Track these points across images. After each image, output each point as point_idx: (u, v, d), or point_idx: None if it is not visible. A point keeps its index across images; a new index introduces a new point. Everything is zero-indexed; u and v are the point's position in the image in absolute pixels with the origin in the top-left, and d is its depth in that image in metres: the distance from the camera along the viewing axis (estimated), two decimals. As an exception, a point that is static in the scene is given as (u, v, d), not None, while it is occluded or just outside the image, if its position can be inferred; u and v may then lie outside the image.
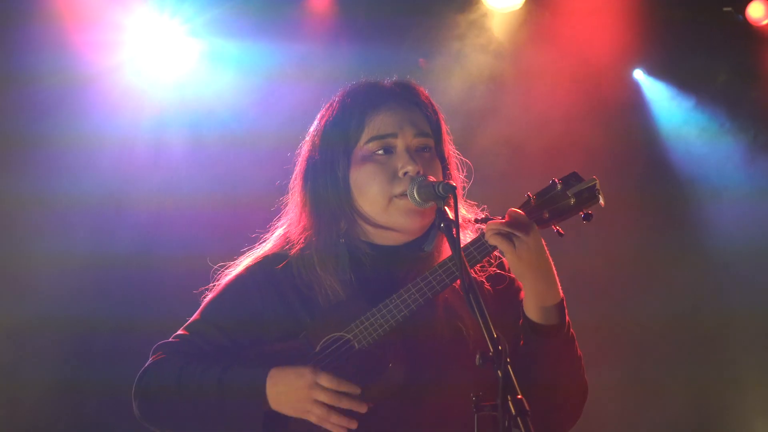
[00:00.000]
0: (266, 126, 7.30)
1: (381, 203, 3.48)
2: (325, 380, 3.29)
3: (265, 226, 3.75)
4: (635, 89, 8.28)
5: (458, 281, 3.29)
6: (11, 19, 6.82)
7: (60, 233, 7.02)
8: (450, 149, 3.67)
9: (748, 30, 7.98)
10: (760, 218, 8.02)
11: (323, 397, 3.29)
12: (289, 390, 3.32)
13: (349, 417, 3.30)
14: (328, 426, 3.31)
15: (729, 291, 8.07)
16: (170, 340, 3.60)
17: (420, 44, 7.80)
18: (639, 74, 8.27)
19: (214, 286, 3.68)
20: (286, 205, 3.71)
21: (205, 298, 3.68)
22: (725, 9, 8.00)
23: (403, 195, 3.42)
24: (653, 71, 8.25)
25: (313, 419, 3.31)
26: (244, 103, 7.45)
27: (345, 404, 3.30)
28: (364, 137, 3.52)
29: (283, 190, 3.73)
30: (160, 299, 6.85)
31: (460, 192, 3.63)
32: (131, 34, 7.17)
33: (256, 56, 7.47)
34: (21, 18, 6.82)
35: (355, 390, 3.31)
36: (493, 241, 3.25)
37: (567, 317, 3.36)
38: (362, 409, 3.31)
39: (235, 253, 3.72)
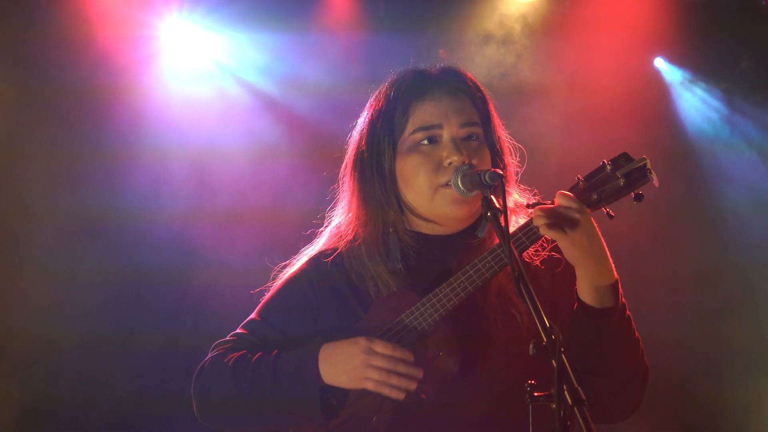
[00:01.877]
0: (291, 118, 7.31)
1: (427, 193, 3.46)
2: (379, 346, 3.29)
3: (317, 217, 3.77)
4: (657, 77, 8.25)
5: (508, 268, 3.25)
6: (38, 16, 6.84)
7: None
8: (501, 135, 3.64)
9: (769, 15, 7.97)
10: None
11: (379, 362, 3.28)
12: (343, 359, 3.32)
13: (408, 379, 3.29)
14: (386, 391, 3.29)
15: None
16: (227, 338, 3.63)
17: (441, 35, 7.80)
18: (660, 62, 8.24)
19: (272, 286, 3.69)
20: (338, 194, 3.71)
21: (262, 298, 3.69)
22: (748, -6, 7.98)
23: (449, 185, 3.41)
24: (674, 59, 8.22)
25: (369, 385, 3.30)
26: (267, 95, 7.45)
27: (402, 369, 3.29)
28: (410, 128, 3.51)
29: (332, 180, 3.73)
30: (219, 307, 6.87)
31: (512, 177, 3.62)
32: (153, 29, 7.19)
33: (277, 48, 7.48)
34: (48, 15, 6.85)
35: (410, 356, 3.30)
36: (543, 229, 3.21)
37: (622, 299, 3.32)
38: (419, 374, 3.30)
39: (293, 252, 3.75)
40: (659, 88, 8.30)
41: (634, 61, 8.12)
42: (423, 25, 7.75)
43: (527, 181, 3.67)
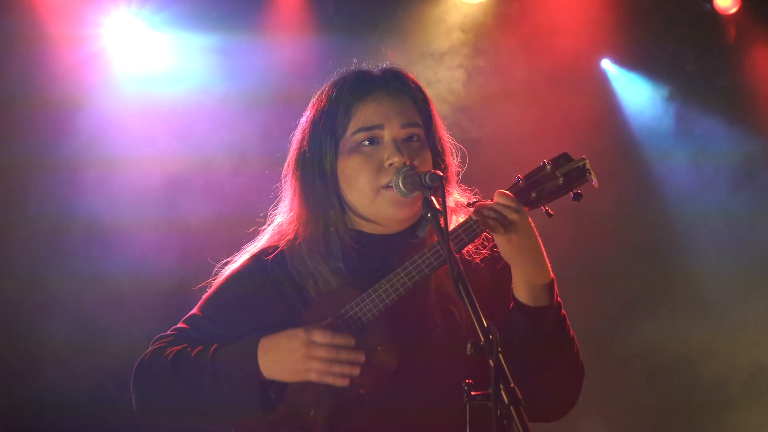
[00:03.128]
0: (238, 119, 7.31)
1: (368, 195, 3.48)
2: (318, 336, 3.29)
3: (260, 216, 3.77)
4: (603, 79, 8.31)
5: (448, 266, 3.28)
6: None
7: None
8: (443, 135, 3.66)
9: (717, 18, 8.04)
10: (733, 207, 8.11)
11: (320, 353, 3.28)
12: (283, 354, 3.32)
13: (351, 365, 3.30)
14: (329, 380, 3.30)
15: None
16: (167, 332, 3.61)
17: (388, 36, 7.81)
18: (607, 64, 8.30)
19: (213, 282, 3.69)
20: (281, 193, 3.72)
21: (204, 294, 3.68)
22: (694, -3, 8.07)
23: (390, 186, 3.43)
24: (621, 61, 8.28)
25: (313, 377, 3.30)
26: (213, 95, 7.43)
27: (343, 356, 3.30)
28: (351, 128, 3.52)
29: (275, 180, 3.75)
30: (154, 300, 6.85)
31: (453, 177, 3.64)
32: (101, 28, 7.15)
33: (223, 49, 7.45)
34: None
35: (350, 341, 3.31)
36: (481, 225, 3.25)
37: (558, 298, 3.36)
38: (361, 358, 3.31)
39: (235, 249, 3.74)
40: (606, 90, 8.35)
41: (581, 63, 8.17)
42: (371, 25, 7.76)
43: (471, 181, 3.70)
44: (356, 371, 3.30)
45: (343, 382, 3.31)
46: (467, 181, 3.71)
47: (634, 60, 8.24)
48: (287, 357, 3.32)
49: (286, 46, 7.57)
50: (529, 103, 7.95)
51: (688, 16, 8.11)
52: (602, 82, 8.33)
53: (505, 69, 7.96)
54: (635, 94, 8.28)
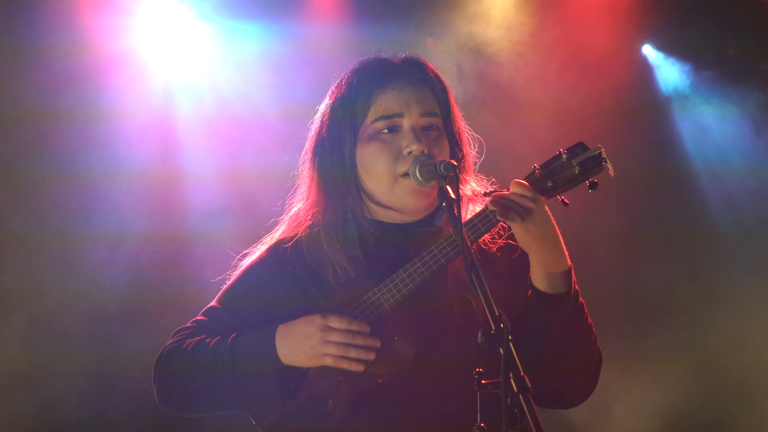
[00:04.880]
0: (276, 106, 7.33)
1: (386, 182, 3.50)
2: (335, 321, 3.35)
3: (281, 208, 3.79)
4: (644, 64, 8.26)
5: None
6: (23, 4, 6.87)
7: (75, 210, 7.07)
8: (460, 125, 3.67)
9: (758, 3, 7.97)
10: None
11: (336, 337, 3.34)
12: (300, 339, 3.37)
13: (366, 350, 3.35)
14: (345, 365, 3.35)
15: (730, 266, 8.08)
16: (187, 324, 3.67)
17: (428, 24, 7.81)
18: (648, 49, 8.26)
19: (232, 273, 3.73)
20: (298, 181, 3.74)
21: (223, 286, 3.73)
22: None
23: (407, 175, 3.44)
24: (662, 46, 8.23)
25: (329, 361, 3.35)
26: (254, 83, 7.47)
27: (359, 341, 3.35)
28: (371, 116, 3.54)
29: (295, 166, 3.76)
30: (177, 287, 6.90)
31: (470, 167, 3.66)
32: (142, 18, 7.21)
33: (264, 37, 7.49)
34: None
35: (365, 327, 3.36)
36: (498, 215, 3.26)
37: (575, 286, 3.37)
38: (376, 343, 3.35)
39: (254, 239, 3.78)
40: (648, 74, 8.31)
41: (622, 48, 8.13)
42: (411, 12, 7.76)
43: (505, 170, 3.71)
44: (371, 356, 3.35)
45: (359, 367, 3.35)
46: (502, 170, 3.72)
47: (675, 45, 8.17)
48: (303, 341, 3.37)
49: (325, 34, 7.59)
50: (567, 89, 7.91)
51: (730, 0, 8.02)
52: (643, 67, 8.27)
53: (542, 57, 7.93)
54: (676, 78, 8.22)
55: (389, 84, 3.57)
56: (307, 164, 3.69)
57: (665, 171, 8.14)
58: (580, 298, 3.40)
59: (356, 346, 3.35)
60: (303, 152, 3.72)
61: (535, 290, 3.36)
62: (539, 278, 3.35)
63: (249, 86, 7.49)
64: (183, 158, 7.35)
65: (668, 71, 8.23)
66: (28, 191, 7.03)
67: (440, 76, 3.68)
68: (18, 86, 6.94)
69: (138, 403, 7.00)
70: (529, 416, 2.65)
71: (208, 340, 3.52)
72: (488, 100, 7.61)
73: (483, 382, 2.75)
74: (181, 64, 7.43)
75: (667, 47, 8.22)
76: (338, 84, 3.68)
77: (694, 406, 7.99)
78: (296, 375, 3.44)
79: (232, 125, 7.45)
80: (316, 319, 3.36)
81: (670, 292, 8.07)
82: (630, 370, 7.74)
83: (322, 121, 3.67)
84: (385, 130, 3.52)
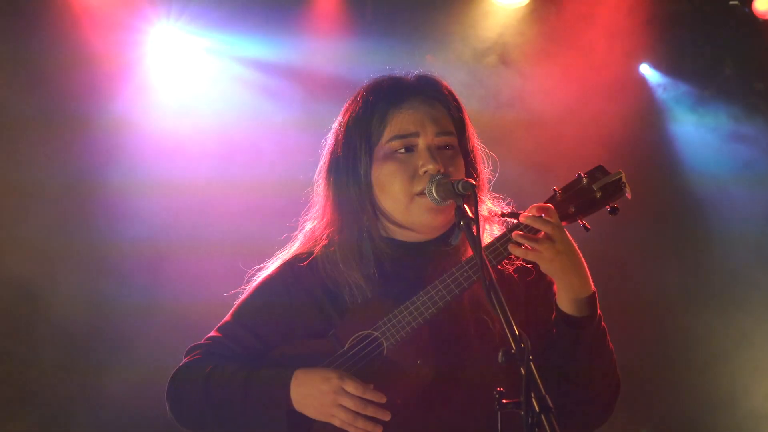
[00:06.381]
0: (274, 123, 7.33)
1: (402, 201, 3.50)
2: (351, 386, 3.33)
3: (292, 221, 3.79)
4: (641, 83, 8.29)
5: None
6: (26, 18, 6.86)
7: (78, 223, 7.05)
8: (475, 143, 3.68)
9: (754, 23, 8.01)
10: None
11: (348, 403, 3.32)
12: (314, 393, 3.35)
13: (374, 422, 3.34)
14: (351, 429, 3.34)
15: (735, 283, 8.11)
16: (202, 341, 3.65)
17: (427, 40, 7.82)
18: (645, 68, 8.28)
19: (246, 288, 3.71)
20: (312, 198, 3.73)
21: (236, 301, 3.72)
22: (731, 2, 8.01)
23: (423, 194, 3.44)
24: (659, 65, 8.26)
25: (336, 423, 3.35)
26: (252, 100, 7.47)
27: (370, 411, 3.33)
28: (386, 135, 3.54)
29: (306, 183, 3.76)
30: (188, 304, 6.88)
31: (485, 186, 3.66)
32: (141, 34, 7.20)
33: (263, 53, 7.49)
34: (36, 17, 6.87)
35: (381, 398, 3.34)
36: (518, 253, 3.28)
37: (599, 310, 3.38)
38: (386, 417, 3.34)
39: (267, 255, 3.77)
40: (645, 94, 8.33)
41: (620, 68, 8.15)
42: (409, 30, 7.77)
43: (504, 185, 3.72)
44: (378, 430, 3.33)
45: None
46: (504, 183, 3.73)
47: (672, 64, 8.20)
48: (316, 396, 3.36)
49: (324, 51, 7.59)
50: (566, 107, 7.93)
51: (726, 20, 8.05)
52: (640, 86, 8.29)
53: (542, 72, 7.95)
54: (673, 97, 8.25)
55: (404, 103, 3.56)
56: (322, 182, 3.68)
57: (669, 199, 8.16)
58: (603, 323, 3.41)
59: (365, 417, 3.33)
60: (317, 170, 3.71)
61: (561, 313, 3.37)
62: (566, 303, 3.35)
63: (247, 103, 7.48)
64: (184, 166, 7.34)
65: (665, 89, 8.25)
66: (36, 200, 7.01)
67: (455, 93, 3.69)
68: (17, 95, 6.92)
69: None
70: (551, 436, 2.65)
71: (222, 368, 3.50)
72: (487, 116, 7.63)
73: (504, 401, 2.75)
74: (179, 78, 7.41)
75: (663, 66, 8.24)
76: (352, 101, 3.68)
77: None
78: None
79: (228, 136, 7.42)
80: (334, 379, 3.34)
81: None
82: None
83: (336, 139, 3.66)
84: (402, 150, 3.52)
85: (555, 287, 3.41)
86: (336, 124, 3.70)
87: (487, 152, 3.71)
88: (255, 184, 7.27)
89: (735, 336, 8.03)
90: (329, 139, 3.71)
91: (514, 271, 3.56)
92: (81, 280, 7.03)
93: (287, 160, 6.88)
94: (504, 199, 3.67)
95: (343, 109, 3.70)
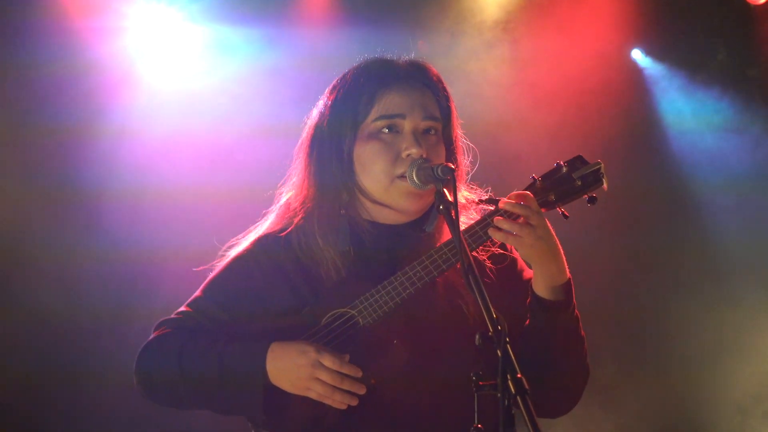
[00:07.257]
0: (267, 112, 7.31)
1: (383, 182, 3.51)
2: (328, 360, 3.33)
3: (268, 193, 3.78)
4: (633, 69, 8.28)
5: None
6: (12, 6, 6.84)
7: (59, 222, 7.04)
8: (458, 133, 3.70)
9: (746, 9, 8.00)
10: (761, 203, 8.06)
11: (325, 377, 3.33)
12: (290, 366, 3.36)
13: (351, 396, 3.35)
14: (327, 401, 3.35)
15: (730, 279, 8.11)
16: (172, 316, 3.62)
17: (419, 27, 7.81)
18: (637, 54, 8.28)
19: (218, 263, 3.70)
20: (289, 171, 3.73)
21: (208, 276, 3.70)
22: (724, -12, 8.03)
23: (404, 177, 3.46)
24: (651, 51, 8.25)
25: (312, 395, 3.35)
26: (244, 88, 7.46)
27: (346, 385, 3.34)
28: (373, 114, 3.56)
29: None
30: (165, 286, 6.86)
31: (462, 176, 3.67)
32: (132, 21, 7.18)
33: (255, 42, 7.48)
34: (22, 4, 6.85)
35: (357, 372, 3.35)
36: (498, 237, 3.31)
37: (574, 298, 3.42)
38: (361, 390, 3.35)
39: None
40: (637, 80, 8.32)
41: (612, 53, 8.14)
42: (401, 17, 7.76)
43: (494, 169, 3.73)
44: (354, 402, 3.35)
45: (340, 406, 3.36)
46: (491, 170, 3.74)
47: (664, 50, 8.19)
48: (292, 369, 3.36)
49: (316, 39, 7.58)
50: (558, 93, 7.93)
51: (719, 6, 8.05)
52: (633, 72, 8.29)
53: (533, 60, 7.94)
54: (665, 83, 8.24)
55: (393, 84, 3.59)
56: (303, 155, 3.68)
57: (659, 186, 8.16)
58: (576, 311, 3.46)
59: (342, 390, 3.35)
60: (298, 143, 3.71)
61: (536, 297, 3.41)
62: (542, 288, 3.40)
63: (240, 91, 7.46)
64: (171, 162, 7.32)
65: (658, 76, 8.24)
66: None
67: (443, 81, 3.71)
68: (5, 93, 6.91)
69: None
70: (527, 418, 2.65)
71: (195, 342, 3.48)
72: (478, 107, 7.63)
73: (480, 383, 2.77)
74: (171, 69, 7.39)
75: (655, 52, 8.23)
76: (341, 78, 3.69)
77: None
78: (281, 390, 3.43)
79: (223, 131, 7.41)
80: (311, 352, 3.35)
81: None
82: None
83: (321, 115, 3.66)
84: (386, 130, 3.54)
85: (529, 274, 3.49)
86: (321, 100, 3.71)
87: (469, 145, 3.73)
88: (234, 190, 7.24)
89: (726, 331, 8.01)
90: (314, 114, 3.71)
91: (488, 258, 3.59)
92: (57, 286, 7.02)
93: (259, 167, 6.81)
94: (483, 189, 3.67)
95: (331, 85, 3.71)
